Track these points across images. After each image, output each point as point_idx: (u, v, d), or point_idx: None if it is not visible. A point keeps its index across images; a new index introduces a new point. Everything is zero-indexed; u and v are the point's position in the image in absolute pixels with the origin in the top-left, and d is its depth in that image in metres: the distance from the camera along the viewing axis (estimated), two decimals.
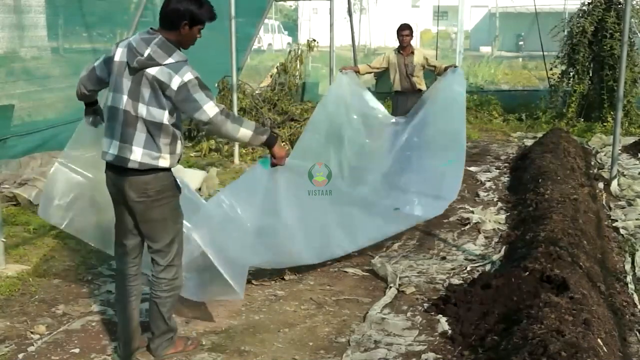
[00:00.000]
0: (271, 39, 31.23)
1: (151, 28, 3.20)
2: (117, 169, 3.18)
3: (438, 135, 6.45)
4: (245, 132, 3.23)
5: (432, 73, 7.55)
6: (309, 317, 4.09)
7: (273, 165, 3.77)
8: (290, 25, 35.31)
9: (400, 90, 7.40)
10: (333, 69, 12.06)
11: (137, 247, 3.39)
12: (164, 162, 3.17)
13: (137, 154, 3.11)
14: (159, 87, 3.07)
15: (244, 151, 8.75)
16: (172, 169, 3.27)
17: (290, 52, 10.67)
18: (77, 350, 3.56)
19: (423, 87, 7.40)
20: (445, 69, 7.13)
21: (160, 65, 3.06)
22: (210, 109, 3.09)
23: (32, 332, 3.75)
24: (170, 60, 3.07)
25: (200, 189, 6.89)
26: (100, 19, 9.23)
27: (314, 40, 10.62)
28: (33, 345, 3.61)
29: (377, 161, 6.46)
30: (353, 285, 4.63)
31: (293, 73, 10.27)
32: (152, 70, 3.06)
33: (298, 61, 10.33)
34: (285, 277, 4.66)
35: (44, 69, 8.30)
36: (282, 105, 9.94)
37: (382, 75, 10.85)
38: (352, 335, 3.77)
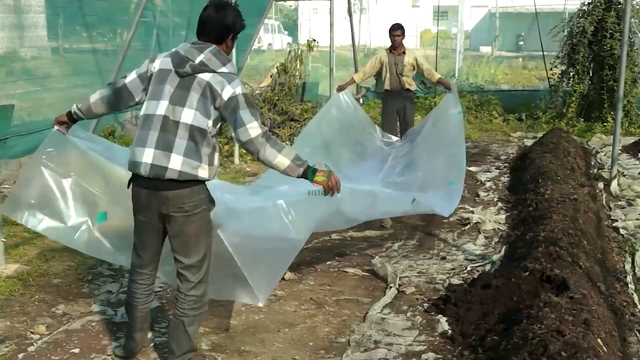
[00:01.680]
0: (271, 39, 31.22)
1: (194, 42, 3.19)
2: (151, 181, 3.03)
3: (438, 160, 6.60)
4: (282, 160, 3.08)
5: (421, 75, 7.60)
6: (309, 317, 4.09)
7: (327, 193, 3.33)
8: (290, 25, 35.33)
9: (389, 90, 7.46)
10: (333, 69, 12.08)
11: (155, 259, 3.32)
12: (203, 173, 3.05)
13: (177, 162, 2.99)
14: (210, 94, 3.01)
15: (244, 151, 8.73)
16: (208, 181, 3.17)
17: (290, 52, 10.68)
18: (77, 350, 3.56)
19: (413, 87, 7.47)
20: (439, 81, 7.30)
21: (215, 72, 3.03)
22: (253, 128, 3.01)
23: (32, 332, 3.75)
24: (224, 69, 3.05)
25: None
26: (100, 19, 9.23)
27: (314, 40, 10.63)
28: (33, 345, 3.61)
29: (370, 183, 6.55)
30: (353, 285, 4.63)
31: (293, 73, 10.28)
32: (205, 76, 3.02)
33: (298, 61, 10.34)
34: (285, 277, 4.65)
35: (44, 69, 8.29)
36: (282, 105, 9.95)
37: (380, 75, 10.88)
38: (352, 335, 3.77)
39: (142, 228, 3.21)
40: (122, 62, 9.13)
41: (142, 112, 3.11)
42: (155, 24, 10.18)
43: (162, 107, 3.04)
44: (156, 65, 3.15)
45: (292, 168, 3.12)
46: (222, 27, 3.12)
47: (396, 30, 7.35)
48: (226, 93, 3.00)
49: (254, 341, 3.73)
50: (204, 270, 3.20)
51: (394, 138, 7.23)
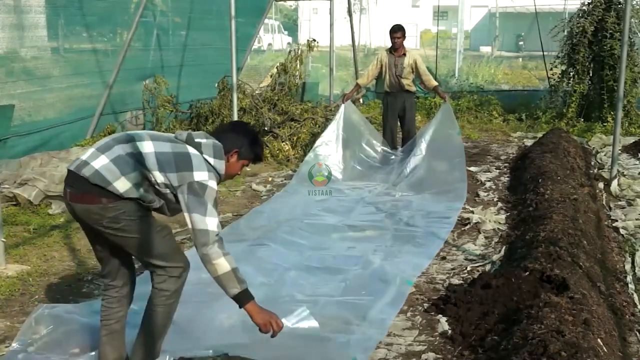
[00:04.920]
0: (271, 39, 31.24)
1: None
2: (72, 180, 2.94)
3: (440, 178, 7.00)
4: (225, 262, 2.87)
5: (418, 79, 7.78)
6: None
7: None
8: (290, 25, 35.33)
9: (389, 91, 7.55)
10: (333, 69, 12.11)
11: (117, 269, 3.16)
12: (120, 186, 2.87)
13: (100, 163, 2.90)
14: (182, 163, 2.92)
15: None
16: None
17: (290, 52, 10.66)
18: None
19: (413, 88, 7.59)
20: (435, 89, 7.56)
21: (202, 154, 2.99)
22: (212, 223, 2.88)
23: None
24: (211, 160, 3.01)
25: None
26: (100, 19, 9.24)
27: (314, 40, 10.62)
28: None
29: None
30: None
31: (293, 73, 10.26)
32: (191, 150, 2.99)
33: (298, 61, 10.32)
34: None
35: (44, 69, 8.30)
36: (282, 105, 9.94)
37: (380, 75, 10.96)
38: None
39: (86, 234, 3.13)
40: (122, 62, 9.16)
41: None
42: (155, 24, 10.19)
43: (134, 132, 3.08)
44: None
45: (230, 277, 2.89)
46: (227, 138, 3.11)
47: (396, 32, 7.39)
48: (199, 175, 2.91)
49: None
50: (174, 265, 3.04)
51: (390, 150, 7.54)
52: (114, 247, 3.07)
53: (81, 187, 2.89)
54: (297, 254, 5.11)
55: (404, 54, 7.46)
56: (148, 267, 3.09)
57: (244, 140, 3.15)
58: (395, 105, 7.62)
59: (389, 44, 7.65)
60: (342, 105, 7.63)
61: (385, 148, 7.66)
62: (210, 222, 2.88)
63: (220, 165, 3.04)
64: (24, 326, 3.54)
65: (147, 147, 2.94)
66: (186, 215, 2.90)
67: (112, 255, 3.11)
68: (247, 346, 3.55)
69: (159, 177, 2.92)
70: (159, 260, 3.02)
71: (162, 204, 3.01)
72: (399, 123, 7.89)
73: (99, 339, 3.22)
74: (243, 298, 2.96)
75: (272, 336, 3.06)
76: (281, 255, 5.05)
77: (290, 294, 4.28)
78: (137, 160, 2.90)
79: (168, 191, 2.96)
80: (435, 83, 7.77)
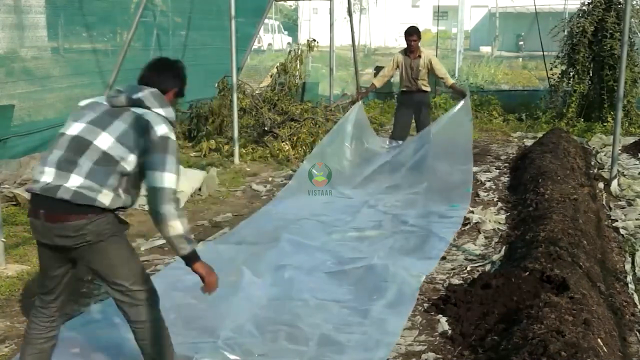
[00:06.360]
0: (271, 39, 31.25)
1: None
2: (45, 202, 2.75)
3: (445, 174, 7.02)
4: (178, 225, 2.77)
5: (435, 78, 7.91)
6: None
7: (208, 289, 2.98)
8: (290, 25, 35.31)
9: (405, 90, 7.70)
10: (333, 69, 12.11)
11: (60, 290, 2.98)
12: (104, 199, 2.75)
13: (75, 183, 2.73)
14: (141, 128, 2.81)
15: (244, 151, 8.76)
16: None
17: (290, 52, 10.66)
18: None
19: (427, 88, 7.74)
20: (452, 86, 7.67)
21: (150, 109, 2.88)
22: (170, 180, 2.78)
23: None
24: (161, 111, 2.91)
25: (200, 189, 6.89)
26: (100, 19, 9.24)
27: (314, 40, 10.62)
28: None
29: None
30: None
31: (293, 73, 10.27)
32: (139, 110, 2.86)
33: (298, 61, 10.33)
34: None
35: (44, 69, 8.29)
36: (282, 105, 9.95)
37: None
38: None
39: (42, 253, 2.90)
40: (122, 62, 9.15)
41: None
42: (155, 24, 10.18)
43: (76, 128, 2.83)
44: (88, 100, 3.00)
45: (182, 239, 2.80)
46: (164, 78, 3.02)
47: (412, 35, 7.50)
48: (159, 130, 2.81)
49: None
50: (140, 288, 2.88)
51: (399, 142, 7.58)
52: (73, 267, 2.92)
53: (60, 208, 2.71)
54: (305, 254, 5.10)
55: (419, 56, 7.55)
56: (113, 290, 2.88)
57: (177, 77, 3.08)
58: (410, 103, 7.76)
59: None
60: (358, 103, 7.70)
61: (392, 142, 7.67)
62: (168, 179, 2.78)
63: (171, 112, 2.96)
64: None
65: (106, 141, 2.77)
66: (146, 173, 2.80)
67: (64, 277, 2.93)
68: (256, 342, 3.60)
69: (131, 158, 2.79)
70: (127, 281, 2.85)
71: (134, 193, 2.92)
72: (413, 123, 7.95)
73: (21, 357, 3.01)
74: (192, 257, 2.89)
75: (210, 292, 2.99)
76: (290, 256, 5.04)
77: (299, 296, 4.29)
78: (107, 161, 2.76)
79: (138, 169, 2.84)
80: (452, 81, 7.97)
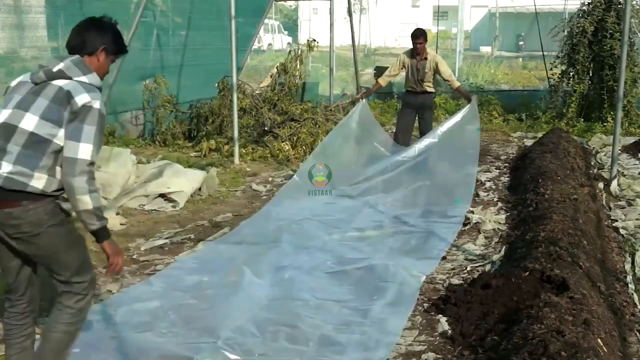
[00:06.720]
0: (271, 39, 31.24)
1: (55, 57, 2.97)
2: None
3: (450, 175, 7.07)
4: (88, 200, 2.69)
5: (441, 80, 7.96)
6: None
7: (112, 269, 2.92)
8: (290, 25, 35.28)
9: (409, 90, 7.75)
10: (333, 69, 12.11)
11: (25, 284, 2.99)
12: (37, 183, 2.69)
13: (5, 169, 2.68)
14: (63, 100, 2.72)
15: (244, 151, 8.76)
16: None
17: (290, 52, 10.66)
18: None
19: (432, 89, 7.76)
20: (458, 89, 7.69)
21: (72, 79, 2.78)
22: (85, 150, 2.68)
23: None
24: (84, 78, 2.80)
25: (200, 189, 6.90)
26: None
27: (314, 40, 10.62)
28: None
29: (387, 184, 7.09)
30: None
31: (293, 73, 10.26)
32: (59, 82, 2.76)
33: (298, 61, 10.33)
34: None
35: None
36: (282, 105, 9.94)
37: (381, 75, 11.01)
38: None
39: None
40: (122, 62, 9.15)
41: None
42: (155, 24, 10.18)
43: (4, 115, 2.77)
44: (17, 80, 2.91)
45: (91, 215, 2.72)
46: (89, 37, 2.90)
47: (419, 38, 7.52)
48: (80, 100, 2.71)
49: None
50: (80, 280, 2.88)
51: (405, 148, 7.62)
52: (25, 259, 2.88)
53: None
54: (306, 254, 5.10)
55: (426, 58, 7.56)
56: (53, 277, 2.89)
57: (106, 36, 2.95)
58: (414, 104, 7.80)
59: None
60: (362, 101, 7.70)
61: (396, 145, 7.65)
62: (83, 150, 2.68)
63: (94, 78, 2.84)
64: None
65: (31, 121, 2.71)
66: (64, 142, 2.70)
67: (21, 268, 2.91)
68: (257, 342, 3.60)
69: (62, 133, 2.71)
70: (67, 272, 2.85)
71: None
72: (416, 123, 7.96)
73: (8, 357, 3.00)
74: (100, 234, 2.81)
75: (112, 272, 2.97)
76: (290, 256, 5.05)
77: (299, 296, 4.29)
78: (36, 142, 2.69)
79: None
80: (458, 84, 8.00)
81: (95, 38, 2.92)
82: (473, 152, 7.19)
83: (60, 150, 2.71)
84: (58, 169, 2.73)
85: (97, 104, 2.74)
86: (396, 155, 7.37)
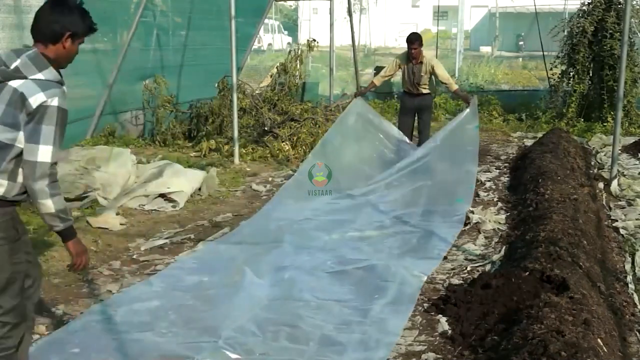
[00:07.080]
0: (271, 39, 31.26)
1: (24, 45, 2.79)
2: None
3: (451, 174, 7.03)
4: (50, 203, 2.65)
5: (439, 83, 7.96)
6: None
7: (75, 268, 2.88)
8: (290, 25, 35.28)
9: (406, 92, 7.77)
10: (333, 69, 12.12)
11: None
12: None
13: None
14: (19, 103, 2.61)
15: (244, 151, 8.76)
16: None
17: (290, 52, 10.67)
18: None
19: (427, 91, 7.75)
20: (456, 92, 7.73)
21: (27, 78, 2.65)
22: (45, 153, 2.60)
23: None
24: (40, 75, 2.66)
25: (200, 189, 6.90)
26: (100, 19, 9.16)
27: (314, 40, 10.63)
28: (33, 345, 3.60)
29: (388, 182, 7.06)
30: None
31: (293, 73, 10.27)
32: (15, 83, 2.64)
33: (298, 61, 10.33)
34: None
35: None
36: (282, 105, 9.95)
37: None
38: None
39: None
40: (122, 62, 9.16)
41: None
42: (155, 24, 10.18)
43: None
44: None
45: (53, 217, 2.69)
46: (52, 24, 2.72)
47: (413, 43, 7.51)
48: (35, 100, 2.60)
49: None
50: (10, 324, 2.75)
51: (408, 141, 7.60)
52: None
53: None
54: (306, 254, 5.10)
55: (421, 62, 7.56)
56: None
57: (72, 18, 2.76)
58: (412, 105, 7.81)
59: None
60: (356, 99, 7.71)
61: (402, 139, 7.62)
62: (42, 152, 2.60)
63: (51, 73, 2.69)
64: None
65: None
66: (24, 145, 2.63)
67: None
68: (258, 342, 3.61)
69: (21, 136, 2.63)
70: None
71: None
72: (415, 123, 7.97)
73: None
74: (65, 235, 2.77)
75: (75, 271, 2.94)
76: (291, 256, 5.05)
77: (300, 296, 4.29)
78: None
79: None
80: (456, 87, 7.95)
81: (59, 24, 2.73)
82: (473, 149, 7.16)
83: (18, 161, 2.65)
84: (19, 172, 2.66)
85: (54, 102, 2.63)
86: (396, 156, 7.36)
